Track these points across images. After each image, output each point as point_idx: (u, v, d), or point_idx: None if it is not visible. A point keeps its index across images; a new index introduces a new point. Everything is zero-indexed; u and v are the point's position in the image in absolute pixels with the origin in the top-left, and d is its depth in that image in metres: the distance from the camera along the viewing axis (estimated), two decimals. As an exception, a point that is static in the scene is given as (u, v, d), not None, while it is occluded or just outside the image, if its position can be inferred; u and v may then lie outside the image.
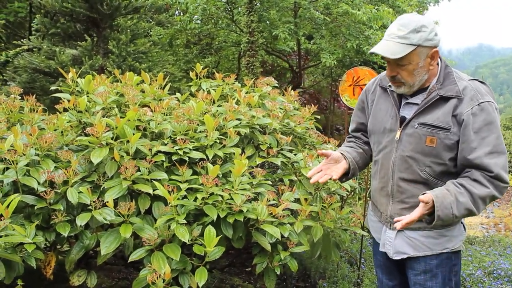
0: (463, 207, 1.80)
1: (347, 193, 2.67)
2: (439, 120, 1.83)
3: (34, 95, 2.50)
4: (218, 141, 2.22)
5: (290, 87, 3.27)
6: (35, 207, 1.78)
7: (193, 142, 2.17)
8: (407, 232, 2.00)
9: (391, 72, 1.89)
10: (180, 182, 1.99)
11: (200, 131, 2.24)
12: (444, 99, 1.83)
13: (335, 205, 2.45)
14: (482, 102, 1.79)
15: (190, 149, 2.09)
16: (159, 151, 2.05)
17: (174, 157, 2.06)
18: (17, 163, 1.81)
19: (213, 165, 2.02)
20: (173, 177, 1.99)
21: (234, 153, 2.20)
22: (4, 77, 6.28)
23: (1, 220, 1.58)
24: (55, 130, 2.22)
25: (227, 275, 3.69)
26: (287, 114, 2.86)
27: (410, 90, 1.91)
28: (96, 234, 1.84)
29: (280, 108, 2.83)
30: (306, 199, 2.34)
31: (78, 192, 1.80)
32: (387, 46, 1.81)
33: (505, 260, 4.25)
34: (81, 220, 1.75)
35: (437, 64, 1.91)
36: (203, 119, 2.29)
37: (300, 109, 3.05)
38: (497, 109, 1.84)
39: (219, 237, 1.80)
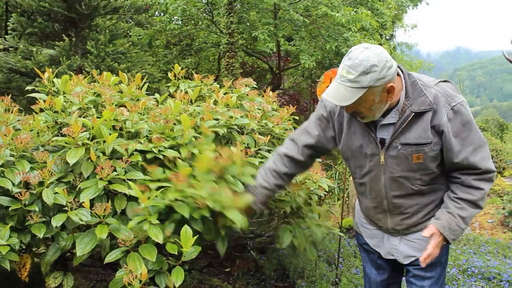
0: (469, 218, 1.92)
1: (325, 193, 2.70)
2: (420, 137, 1.84)
3: (10, 96, 2.47)
4: (194, 139, 2.21)
5: (269, 88, 3.29)
6: (10, 209, 1.75)
7: (169, 140, 2.16)
8: (409, 236, 2.07)
9: (349, 109, 1.88)
10: (151, 181, 1.98)
11: (176, 130, 2.24)
12: (419, 114, 1.83)
13: (316, 209, 2.47)
14: (454, 105, 1.81)
15: (165, 148, 2.08)
16: (136, 150, 2.04)
17: (148, 156, 2.05)
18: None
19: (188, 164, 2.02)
20: (146, 177, 1.98)
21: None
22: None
23: (-26, 222, 1.56)
24: (31, 130, 2.19)
25: (206, 276, 3.69)
26: (266, 115, 2.88)
27: (374, 119, 1.89)
28: (72, 235, 1.82)
29: (259, 109, 2.85)
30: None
31: (54, 193, 1.78)
32: (337, 92, 1.79)
33: (479, 258, 4.35)
34: (57, 221, 1.73)
35: (399, 75, 1.87)
36: (180, 118, 2.28)
37: (279, 110, 3.07)
38: (467, 103, 1.87)
39: (196, 237, 1.80)
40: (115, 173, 1.90)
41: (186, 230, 1.79)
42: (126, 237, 1.75)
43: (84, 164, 1.92)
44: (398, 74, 1.87)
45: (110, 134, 1.97)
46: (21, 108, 2.59)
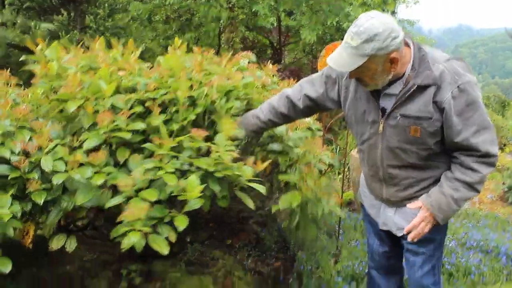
0: (461, 200, 1.90)
1: (325, 167, 2.70)
2: (420, 110, 1.83)
3: (9, 70, 2.45)
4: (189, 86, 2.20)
5: (269, 62, 3.26)
6: (9, 177, 1.75)
7: (167, 88, 2.15)
8: (404, 209, 2.06)
9: (351, 75, 1.89)
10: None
11: (171, 81, 2.21)
12: (422, 88, 1.81)
13: (312, 175, 2.46)
14: (460, 84, 1.77)
15: (162, 95, 2.08)
16: (135, 101, 2.04)
17: (147, 104, 2.04)
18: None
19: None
20: (149, 120, 1.98)
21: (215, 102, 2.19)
22: (-22, 52, 6.11)
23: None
24: (30, 103, 2.18)
25: (208, 248, 3.73)
26: (266, 88, 2.86)
27: (377, 88, 1.90)
28: (74, 197, 1.80)
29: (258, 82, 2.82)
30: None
31: (54, 160, 1.77)
32: (340, 57, 1.80)
33: (478, 232, 4.39)
34: (57, 179, 1.72)
35: (409, 47, 1.87)
36: (173, 73, 2.26)
37: (279, 83, 3.04)
38: (477, 84, 1.83)
39: (204, 185, 1.79)
40: (115, 123, 1.89)
41: (194, 178, 1.78)
42: (125, 182, 1.73)
43: (84, 117, 1.90)
44: (408, 46, 1.86)
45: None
46: (21, 83, 2.57)
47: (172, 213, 1.84)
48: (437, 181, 1.97)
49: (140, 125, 1.96)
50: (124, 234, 1.70)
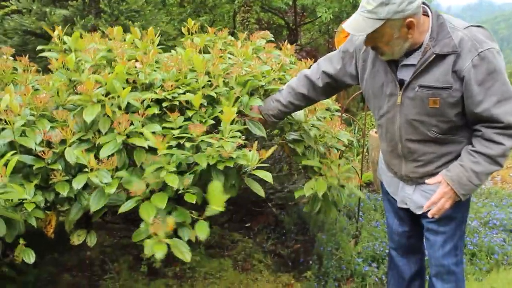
0: (483, 174, 1.82)
1: (344, 147, 2.67)
2: (439, 80, 1.77)
3: (27, 56, 2.46)
4: (208, 83, 2.19)
5: (287, 42, 3.22)
6: (34, 167, 1.77)
7: (185, 86, 2.14)
8: (423, 186, 2.02)
9: (367, 43, 1.85)
10: (173, 129, 1.97)
11: (190, 77, 2.21)
12: (440, 57, 1.76)
13: (337, 162, 2.43)
14: (481, 51, 1.71)
15: (179, 94, 2.07)
16: (151, 101, 2.04)
17: (164, 104, 2.04)
18: (13, 124, 1.79)
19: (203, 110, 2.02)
20: (165, 124, 1.97)
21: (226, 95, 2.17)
22: (-5, 40, 6.15)
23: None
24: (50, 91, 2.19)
25: (226, 231, 3.75)
26: (283, 68, 2.82)
27: (393, 58, 1.86)
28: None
29: (276, 62, 2.79)
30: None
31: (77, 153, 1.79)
32: (356, 22, 1.76)
33: (501, 211, 4.32)
34: (78, 182, 1.75)
35: (428, 16, 1.82)
36: (192, 67, 2.25)
37: (297, 63, 3.00)
38: (500, 53, 1.76)
39: (227, 197, 1.75)
40: (132, 126, 1.89)
41: (216, 184, 1.74)
42: (138, 187, 1.74)
43: (101, 120, 1.92)
44: (426, 15, 1.81)
45: (123, 88, 1.96)
46: (39, 69, 2.58)
47: (192, 214, 1.86)
48: (458, 156, 1.91)
49: (157, 128, 1.96)
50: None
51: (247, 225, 3.86)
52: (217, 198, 1.69)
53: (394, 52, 1.83)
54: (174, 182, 1.74)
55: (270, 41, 3.12)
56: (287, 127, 2.56)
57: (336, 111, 2.96)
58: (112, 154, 1.83)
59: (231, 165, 1.86)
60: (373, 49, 1.90)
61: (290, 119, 2.54)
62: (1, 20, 5.83)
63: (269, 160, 2.55)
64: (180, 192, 1.81)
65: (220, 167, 1.84)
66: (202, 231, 1.77)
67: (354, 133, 7.15)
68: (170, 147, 1.87)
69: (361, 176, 4.24)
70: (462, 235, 2.14)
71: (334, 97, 3.01)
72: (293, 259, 3.37)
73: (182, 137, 1.93)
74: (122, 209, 1.78)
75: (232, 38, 3.03)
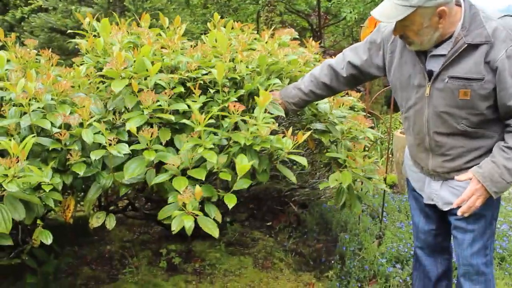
0: None
1: (370, 143, 2.60)
2: (470, 71, 1.69)
3: (50, 50, 2.47)
4: (233, 67, 2.19)
5: (311, 39, 3.17)
6: (50, 148, 1.76)
7: (209, 69, 2.13)
8: (451, 182, 1.93)
9: (396, 31, 1.80)
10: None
11: (215, 61, 2.20)
12: (472, 47, 1.68)
13: (362, 153, 2.38)
14: None
15: (202, 75, 2.07)
16: (176, 81, 2.05)
17: (188, 84, 2.03)
18: (29, 106, 1.80)
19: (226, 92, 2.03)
20: (188, 102, 1.96)
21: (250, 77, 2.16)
22: (22, 39, 6.26)
23: (18, 162, 1.57)
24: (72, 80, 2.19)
25: (247, 229, 3.70)
26: (308, 64, 2.78)
27: (422, 48, 1.79)
28: (112, 174, 1.81)
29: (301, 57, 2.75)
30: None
31: (94, 133, 1.77)
32: (385, 9, 1.70)
33: (531, 215, 4.16)
34: (96, 155, 1.73)
35: (460, 6, 1.74)
36: (216, 53, 2.25)
37: (321, 61, 2.95)
38: None
39: (252, 162, 1.79)
40: (158, 103, 1.89)
41: (242, 157, 1.79)
42: (174, 161, 1.75)
43: (127, 96, 1.91)
44: (459, 5, 1.73)
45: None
46: (61, 61, 2.59)
47: (220, 192, 1.85)
48: (489, 152, 1.83)
49: (182, 106, 1.96)
50: (170, 216, 1.71)
51: (268, 223, 3.80)
52: (241, 168, 1.77)
53: (423, 42, 1.76)
54: (212, 157, 1.73)
55: (295, 38, 3.07)
56: (310, 119, 2.53)
57: (361, 110, 2.91)
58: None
59: (268, 146, 1.88)
60: (401, 38, 1.83)
61: (313, 111, 2.49)
62: (27, 17, 5.93)
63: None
64: (214, 170, 1.81)
65: (257, 148, 1.84)
66: (231, 201, 1.78)
67: (379, 132, 7.05)
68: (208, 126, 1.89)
69: (386, 178, 4.15)
70: (492, 234, 2.04)
71: (358, 94, 2.94)
72: (315, 259, 3.29)
73: (222, 116, 1.95)
74: (154, 181, 1.78)
75: (258, 35, 3.00)
